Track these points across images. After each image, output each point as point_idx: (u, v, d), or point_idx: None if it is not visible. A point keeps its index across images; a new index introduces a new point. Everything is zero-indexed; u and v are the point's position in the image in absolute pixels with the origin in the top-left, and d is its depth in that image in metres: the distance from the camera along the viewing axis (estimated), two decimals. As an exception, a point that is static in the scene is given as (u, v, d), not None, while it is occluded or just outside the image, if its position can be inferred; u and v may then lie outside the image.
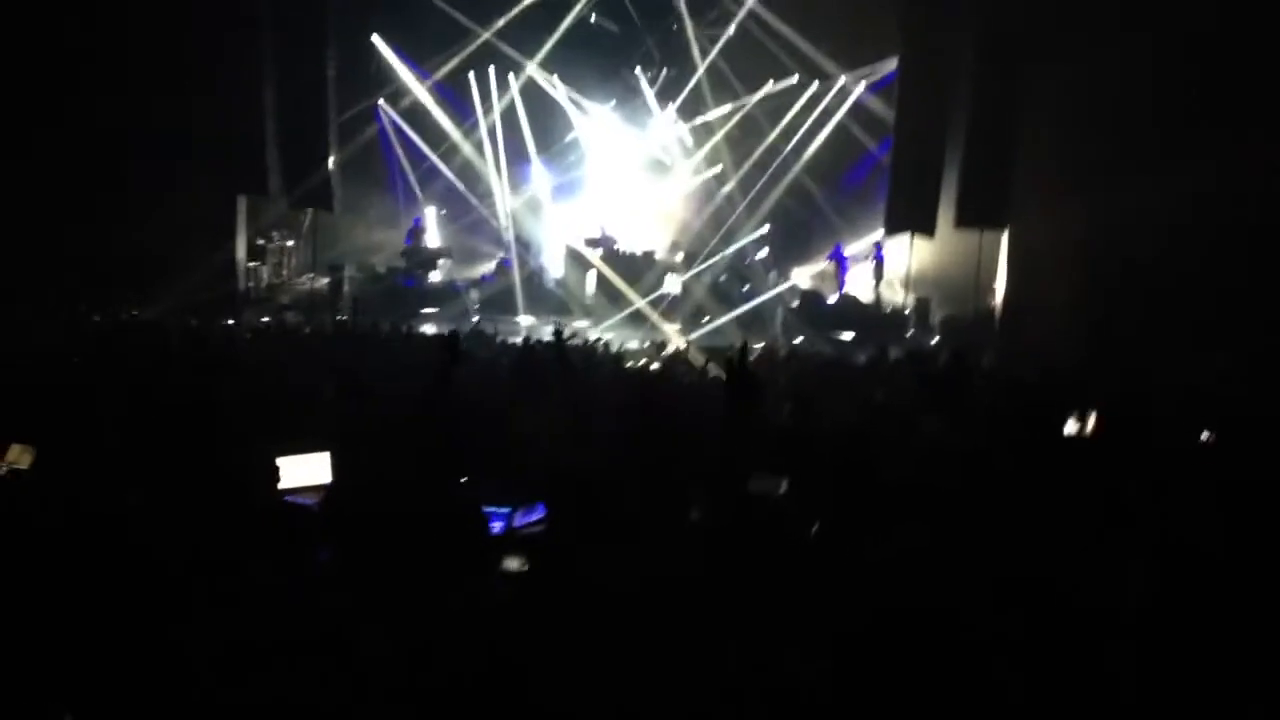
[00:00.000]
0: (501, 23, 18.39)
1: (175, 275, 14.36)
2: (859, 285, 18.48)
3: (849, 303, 17.92)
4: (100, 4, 14.43)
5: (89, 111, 14.12)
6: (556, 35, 18.70)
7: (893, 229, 17.35)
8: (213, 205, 15.71)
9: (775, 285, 18.67)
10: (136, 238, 14.27)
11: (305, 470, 4.76)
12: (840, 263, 18.50)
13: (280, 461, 4.35)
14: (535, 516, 4.35)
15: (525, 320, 16.68)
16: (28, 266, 13.17)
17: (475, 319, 15.89)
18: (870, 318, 17.34)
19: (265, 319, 15.11)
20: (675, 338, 11.27)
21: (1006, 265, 16.00)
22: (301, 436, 4.97)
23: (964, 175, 16.15)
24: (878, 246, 18.04)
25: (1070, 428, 6.38)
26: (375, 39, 18.52)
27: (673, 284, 18.36)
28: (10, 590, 2.97)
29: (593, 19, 19.09)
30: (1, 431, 4.68)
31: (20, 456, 4.66)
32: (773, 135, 19.24)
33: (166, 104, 14.47)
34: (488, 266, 19.15)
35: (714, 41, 19.15)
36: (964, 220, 16.27)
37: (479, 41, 18.44)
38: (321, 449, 4.90)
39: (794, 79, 18.98)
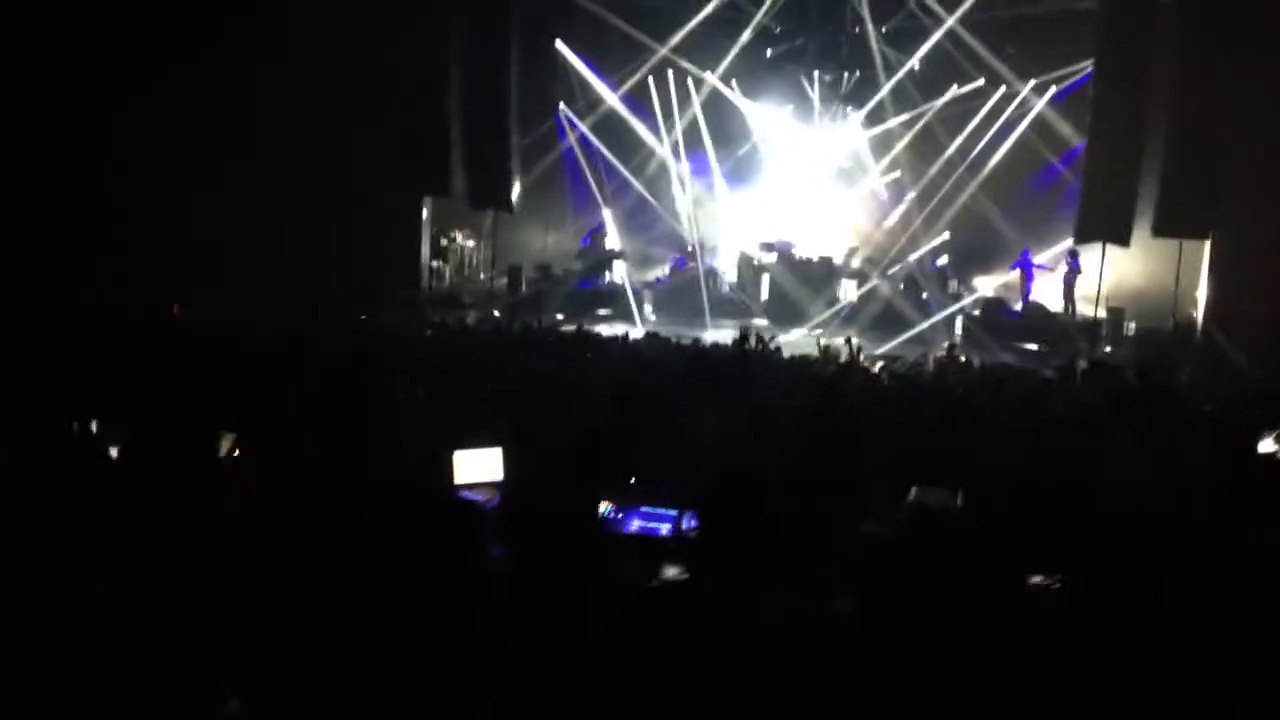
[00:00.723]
0: (680, 37, 18.44)
1: (363, 273, 14.89)
2: (1047, 295, 17.71)
3: (1036, 312, 17.21)
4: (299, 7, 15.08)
5: (280, 110, 14.86)
6: (736, 48, 18.69)
7: (1084, 237, 16.53)
8: (399, 205, 16.29)
9: (956, 293, 18.14)
10: (325, 236, 14.92)
11: (479, 466, 4.84)
12: (1027, 270, 17.79)
13: (456, 456, 4.45)
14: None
15: (702, 324, 16.66)
16: (222, 264, 13.93)
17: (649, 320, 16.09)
18: (1059, 328, 16.59)
19: (445, 317, 15.59)
20: (847, 346, 11.03)
21: (1208, 276, 15.08)
22: (476, 431, 5.04)
23: (1165, 182, 15.25)
24: (1072, 255, 17.23)
25: (1268, 446, 5.97)
26: (559, 44, 18.85)
27: (850, 291, 18.09)
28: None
29: (776, 29, 18.98)
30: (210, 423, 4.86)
31: (231, 445, 4.82)
32: (957, 142, 18.64)
33: (359, 105, 15.12)
34: (663, 269, 19.28)
35: (896, 47, 18.70)
36: (1163, 229, 15.40)
37: (658, 56, 18.59)
38: (494, 444, 4.95)
39: (979, 82, 18.38)
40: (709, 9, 18.19)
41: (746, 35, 18.60)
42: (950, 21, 17.64)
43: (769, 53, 19.33)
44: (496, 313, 16.00)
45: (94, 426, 4.88)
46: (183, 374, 5.99)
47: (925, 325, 16.45)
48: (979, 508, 4.46)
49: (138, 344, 8.10)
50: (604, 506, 4.44)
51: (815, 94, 19.72)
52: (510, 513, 4.03)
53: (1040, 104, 17.99)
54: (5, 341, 7.34)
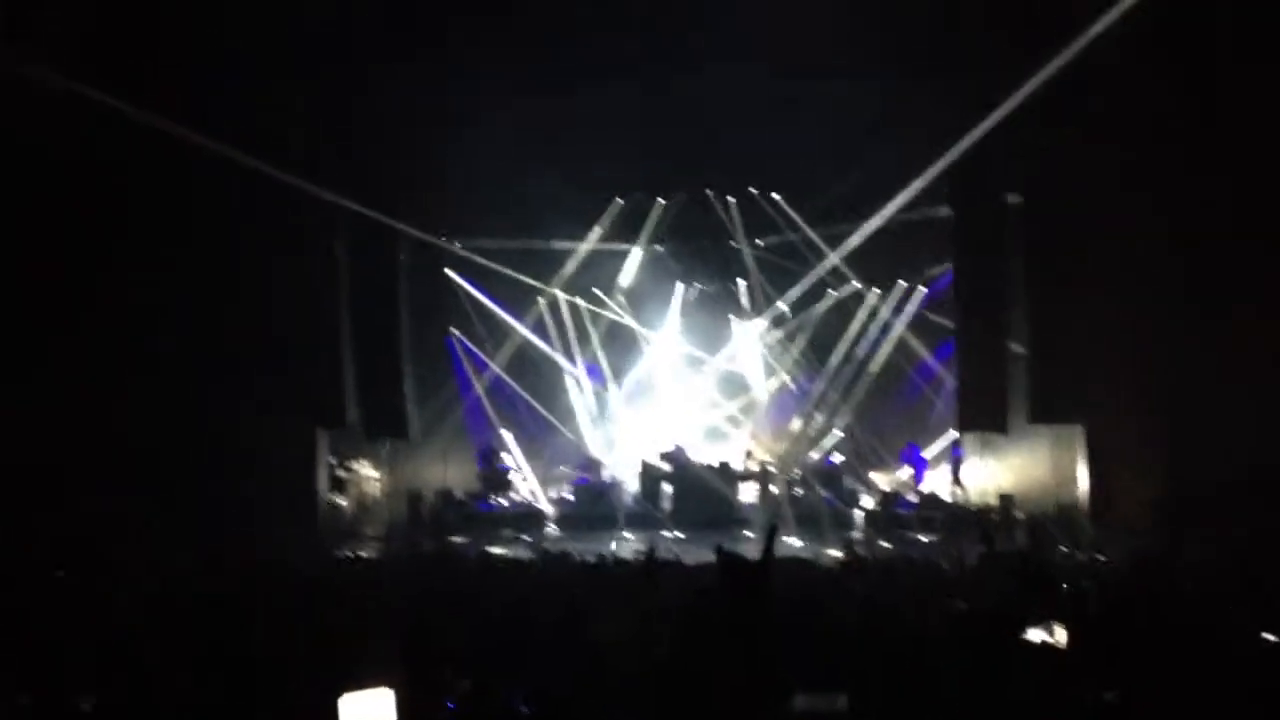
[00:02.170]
0: (569, 270, 19.78)
1: (255, 508, 14.56)
2: (939, 485, 18.21)
3: (930, 503, 17.62)
4: (187, 228, 14.99)
5: (170, 336, 14.75)
6: (629, 276, 20.11)
7: (966, 427, 17.24)
8: (291, 437, 16.09)
9: (851, 490, 18.56)
10: (216, 472, 14.63)
11: (367, 709, 4.68)
12: (916, 465, 18.35)
13: (342, 700, 4.33)
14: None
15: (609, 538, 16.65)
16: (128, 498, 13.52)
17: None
18: (953, 518, 16.99)
19: (347, 551, 15.24)
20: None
21: (1087, 459, 15.69)
22: (368, 671, 4.90)
23: (1033, 373, 16.07)
24: (955, 445, 17.88)
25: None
26: (448, 272, 19.39)
27: (749, 493, 18.44)
28: None
29: (658, 247, 20.06)
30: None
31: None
32: (843, 345, 19.47)
33: (248, 337, 15.13)
34: (565, 488, 19.35)
35: (763, 258, 19.76)
36: (1038, 416, 16.11)
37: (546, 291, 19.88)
38: (384, 684, 4.80)
39: (855, 286, 19.34)
40: (590, 246, 19.57)
41: (635, 259, 19.79)
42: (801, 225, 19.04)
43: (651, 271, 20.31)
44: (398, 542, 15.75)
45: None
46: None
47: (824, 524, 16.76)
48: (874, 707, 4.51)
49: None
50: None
51: (705, 304, 20.56)
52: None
53: (912, 305, 18.96)
54: None
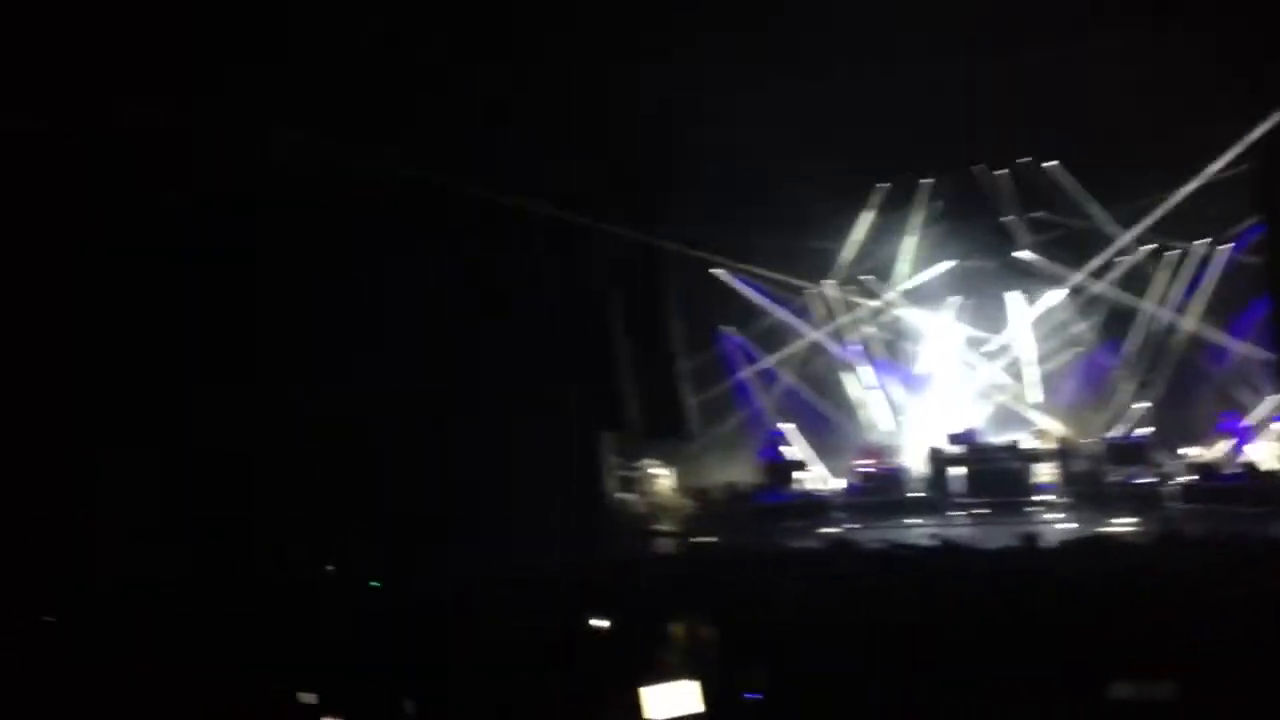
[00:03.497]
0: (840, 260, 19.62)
1: (549, 511, 15.22)
2: (1262, 455, 16.62)
3: (1251, 474, 16.12)
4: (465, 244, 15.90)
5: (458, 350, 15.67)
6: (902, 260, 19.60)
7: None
8: (580, 441, 16.72)
9: (1162, 464, 17.27)
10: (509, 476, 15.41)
11: (673, 701, 4.77)
12: (1238, 435, 16.81)
13: (646, 692, 4.43)
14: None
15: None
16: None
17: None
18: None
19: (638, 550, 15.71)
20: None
21: None
22: (671, 665, 5.01)
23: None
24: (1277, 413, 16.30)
25: None
26: (717, 271, 19.60)
27: (1046, 474, 17.57)
28: None
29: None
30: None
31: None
32: (1142, 310, 18.33)
33: (535, 355, 15.87)
34: (848, 476, 19.11)
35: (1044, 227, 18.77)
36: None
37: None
38: (690, 677, 4.88)
39: (1147, 249, 18.08)
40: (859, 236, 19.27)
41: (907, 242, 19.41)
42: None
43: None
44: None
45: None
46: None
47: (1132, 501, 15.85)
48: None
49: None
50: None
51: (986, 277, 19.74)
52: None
53: (1216, 264, 17.55)
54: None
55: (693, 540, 15.85)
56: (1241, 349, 17.29)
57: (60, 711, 5.61)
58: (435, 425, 15.51)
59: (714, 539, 15.60)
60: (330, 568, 10.72)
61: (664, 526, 17.69)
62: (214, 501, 13.86)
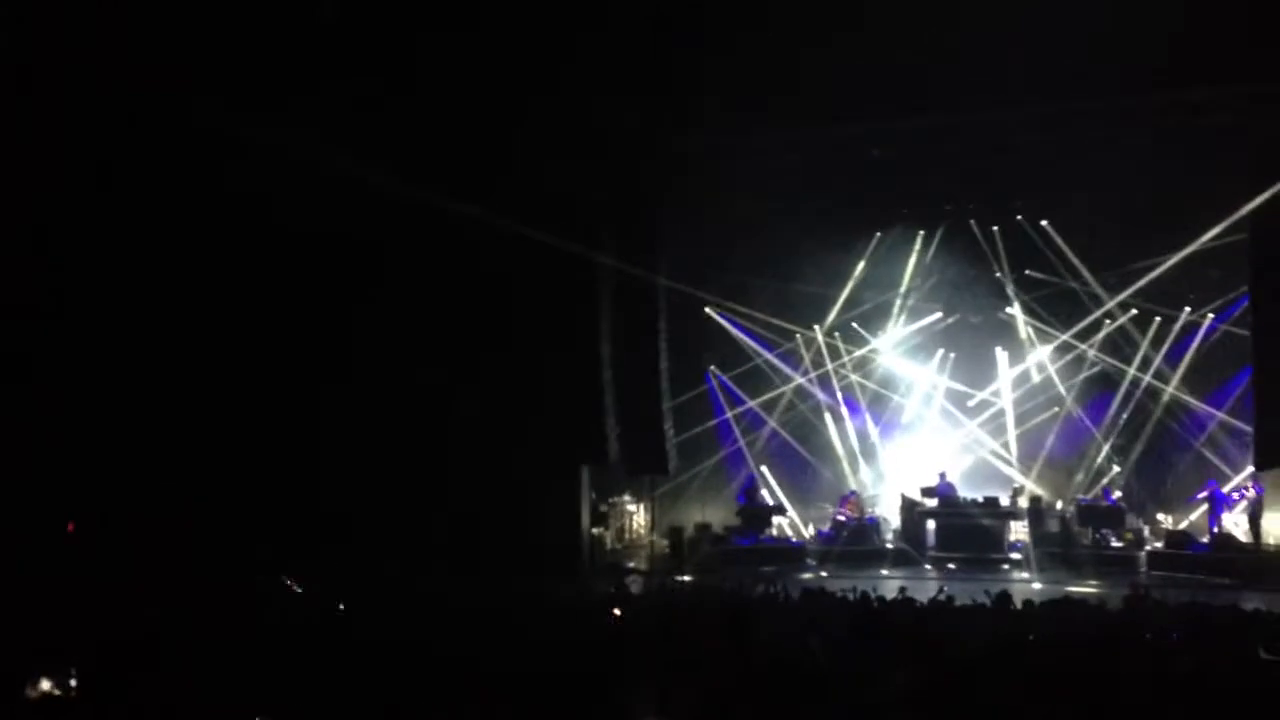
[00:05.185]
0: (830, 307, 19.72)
1: (518, 543, 15.08)
2: (1233, 525, 16.68)
3: (1225, 544, 16.16)
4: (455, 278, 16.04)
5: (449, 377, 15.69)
6: (891, 310, 19.83)
7: (1265, 463, 15.67)
8: (557, 474, 16.64)
9: (1135, 528, 17.32)
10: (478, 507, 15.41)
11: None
12: (1217, 503, 16.82)
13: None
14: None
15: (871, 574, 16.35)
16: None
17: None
18: (1252, 562, 15.52)
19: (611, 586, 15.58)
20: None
21: None
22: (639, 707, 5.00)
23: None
24: (1255, 480, 16.35)
25: None
26: (708, 310, 19.63)
27: (1019, 533, 17.60)
28: None
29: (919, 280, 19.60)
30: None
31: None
32: (1130, 371, 18.40)
33: (515, 377, 15.83)
34: (825, 524, 19.10)
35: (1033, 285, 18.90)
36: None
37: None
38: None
39: (1132, 313, 18.25)
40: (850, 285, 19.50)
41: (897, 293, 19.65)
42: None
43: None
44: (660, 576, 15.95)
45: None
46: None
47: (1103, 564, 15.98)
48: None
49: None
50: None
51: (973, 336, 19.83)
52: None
53: (1203, 327, 17.72)
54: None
55: (665, 580, 15.72)
56: (1220, 419, 17.36)
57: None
58: (416, 451, 15.55)
59: (685, 578, 15.48)
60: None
61: (636, 565, 17.57)
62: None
